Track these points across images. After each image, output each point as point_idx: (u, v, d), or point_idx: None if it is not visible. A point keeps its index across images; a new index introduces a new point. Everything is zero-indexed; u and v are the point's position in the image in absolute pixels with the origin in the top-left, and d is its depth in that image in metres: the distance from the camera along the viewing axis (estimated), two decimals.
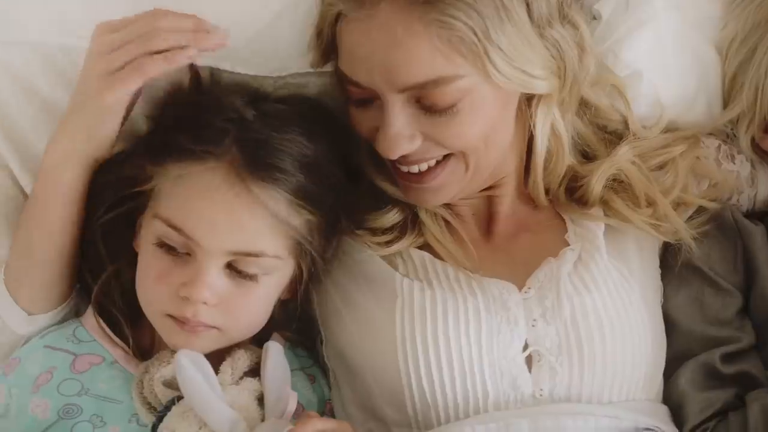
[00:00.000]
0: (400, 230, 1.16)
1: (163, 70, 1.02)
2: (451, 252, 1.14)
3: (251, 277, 1.06)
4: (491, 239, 1.19)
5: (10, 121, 1.14)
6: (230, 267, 1.05)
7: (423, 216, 1.16)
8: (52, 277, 1.11)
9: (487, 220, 1.20)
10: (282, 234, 1.06)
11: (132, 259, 1.12)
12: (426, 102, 1.06)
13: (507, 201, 1.19)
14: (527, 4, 1.06)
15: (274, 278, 1.08)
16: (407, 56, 1.03)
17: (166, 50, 1.02)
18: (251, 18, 1.16)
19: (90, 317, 1.13)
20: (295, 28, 1.16)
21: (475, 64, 1.04)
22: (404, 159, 1.10)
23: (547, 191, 1.19)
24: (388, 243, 1.14)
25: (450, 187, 1.12)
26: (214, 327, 1.06)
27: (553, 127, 1.14)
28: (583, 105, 1.20)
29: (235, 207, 1.03)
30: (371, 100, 1.09)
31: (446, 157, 1.10)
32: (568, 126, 1.17)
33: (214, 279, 1.04)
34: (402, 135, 1.07)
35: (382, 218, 1.16)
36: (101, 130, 1.05)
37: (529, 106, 1.12)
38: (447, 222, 1.17)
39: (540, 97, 1.11)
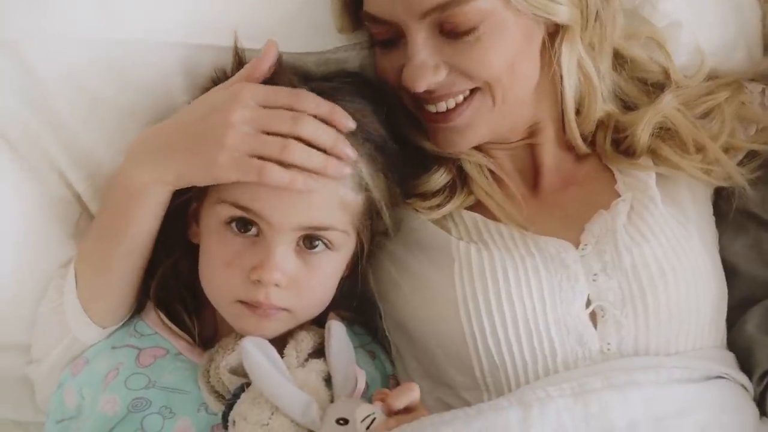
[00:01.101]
0: (450, 191, 1.14)
1: (279, 185, 0.99)
2: (501, 205, 1.12)
3: (319, 254, 1.04)
4: (539, 194, 1.16)
5: (58, 118, 1.12)
6: (299, 245, 1.04)
7: (468, 168, 1.14)
8: (129, 291, 1.10)
9: (533, 175, 1.17)
10: (349, 207, 1.05)
11: (187, 251, 1.11)
12: (448, 27, 1.04)
13: (549, 151, 1.17)
14: None
15: (340, 255, 1.07)
16: None
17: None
18: None
19: (150, 311, 1.12)
20: (329, 5, 1.15)
21: None
22: (430, 96, 1.08)
23: (585, 138, 1.16)
24: (439, 206, 1.12)
25: (477, 126, 1.10)
26: (285, 309, 1.05)
27: (581, 67, 1.12)
28: (620, 58, 1.17)
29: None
30: (396, 40, 1.08)
31: (472, 92, 1.08)
32: (602, 70, 1.14)
33: (284, 259, 1.02)
34: (427, 65, 1.05)
35: (429, 181, 1.14)
36: (198, 179, 1.02)
37: (553, 44, 1.09)
38: (494, 176, 1.15)
39: (564, 33, 1.09)
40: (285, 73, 1.05)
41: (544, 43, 1.10)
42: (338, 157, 1.01)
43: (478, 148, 1.15)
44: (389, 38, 1.09)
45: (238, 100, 1.00)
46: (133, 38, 1.10)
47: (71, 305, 1.09)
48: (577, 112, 1.15)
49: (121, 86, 1.12)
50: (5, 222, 1.12)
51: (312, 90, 1.04)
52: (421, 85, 1.06)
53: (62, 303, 1.10)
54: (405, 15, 1.05)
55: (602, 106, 1.15)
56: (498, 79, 1.07)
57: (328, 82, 1.08)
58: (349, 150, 1.01)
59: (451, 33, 1.05)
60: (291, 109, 1.00)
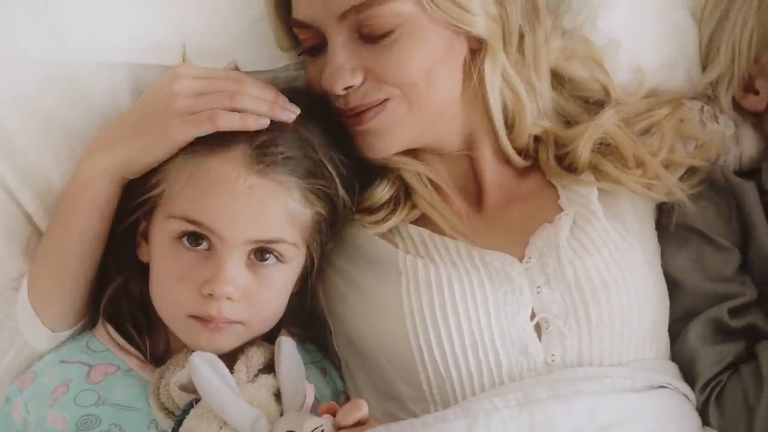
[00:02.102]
0: (394, 204, 1.16)
1: (233, 128, 1.03)
2: (443, 214, 1.14)
3: (270, 267, 1.06)
4: (483, 210, 1.18)
5: (8, 137, 1.13)
6: (250, 258, 1.05)
7: (408, 178, 1.16)
8: (81, 294, 1.11)
9: (476, 191, 1.19)
10: (298, 221, 1.06)
11: (138, 270, 1.12)
12: (365, 30, 1.07)
13: (489, 165, 1.19)
14: None
15: (290, 267, 1.08)
16: None
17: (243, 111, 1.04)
18: (236, 18, 1.18)
19: (101, 328, 1.12)
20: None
21: None
22: (346, 105, 1.10)
23: (523, 152, 1.19)
24: (384, 220, 1.14)
25: (395, 131, 1.12)
26: (238, 322, 1.06)
27: (508, 83, 1.15)
28: (559, 77, 1.21)
29: (252, 195, 1.03)
30: (322, 46, 1.11)
31: (384, 101, 1.10)
32: (538, 88, 1.17)
33: (236, 273, 1.03)
34: (344, 68, 1.08)
35: (373, 195, 1.16)
36: (149, 158, 1.05)
37: (475, 59, 1.13)
38: (436, 187, 1.17)
39: (485, 48, 1.12)
40: None
41: (468, 55, 1.12)
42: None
43: (417, 157, 1.17)
44: (315, 44, 1.12)
45: (177, 76, 1.05)
46: (82, 58, 1.12)
47: (22, 309, 1.10)
48: (510, 127, 1.17)
49: (69, 106, 1.14)
50: None
51: None
52: (337, 88, 1.09)
53: (14, 311, 1.11)
54: (324, 17, 1.08)
55: (537, 122, 1.17)
56: (413, 83, 1.09)
57: None
58: (292, 106, 1.06)
59: (368, 37, 1.08)
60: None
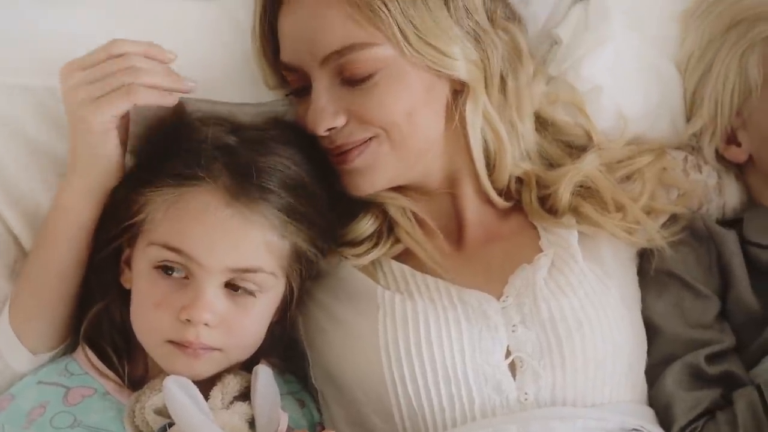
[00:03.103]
0: (377, 238, 1.19)
1: (151, 102, 1.07)
2: (427, 250, 1.17)
3: (249, 294, 1.08)
4: (463, 248, 1.21)
5: None
6: (228, 286, 1.08)
7: (392, 212, 1.19)
8: (61, 317, 1.14)
9: (457, 229, 1.22)
10: (276, 251, 1.09)
11: (119, 294, 1.14)
12: (347, 74, 1.12)
13: (471, 204, 1.22)
14: None
15: (269, 296, 1.11)
16: (323, 24, 1.11)
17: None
18: (226, 52, 1.23)
19: (81, 351, 1.14)
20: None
21: (386, 34, 1.10)
22: (332, 144, 1.14)
23: (504, 193, 1.22)
24: (366, 253, 1.17)
25: (378, 169, 1.16)
26: (215, 349, 1.08)
27: (490, 124, 1.18)
28: (542, 121, 1.25)
29: (231, 225, 1.06)
30: (308, 88, 1.15)
31: (369, 140, 1.14)
32: (521, 131, 1.20)
33: (213, 299, 1.06)
34: (327, 110, 1.13)
35: (356, 228, 1.19)
36: (100, 157, 1.08)
37: (456, 101, 1.16)
38: (419, 221, 1.20)
39: (467, 91, 1.16)
40: (210, 125, 1.11)
41: (451, 97, 1.17)
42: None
43: (401, 194, 1.20)
44: (302, 86, 1.16)
45: (63, 74, 1.06)
46: None
47: (3, 330, 1.13)
48: (492, 167, 1.21)
49: (57, 132, 1.18)
50: None
51: (240, 138, 1.10)
52: (320, 129, 1.13)
53: None
54: (308, 61, 1.13)
55: (518, 164, 1.21)
56: (395, 124, 1.13)
57: (257, 131, 1.14)
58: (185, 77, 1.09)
59: (350, 80, 1.12)
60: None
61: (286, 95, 1.22)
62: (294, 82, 1.18)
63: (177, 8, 1.26)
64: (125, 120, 1.10)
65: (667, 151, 1.31)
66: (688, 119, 1.34)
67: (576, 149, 1.26)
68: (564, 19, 1.36)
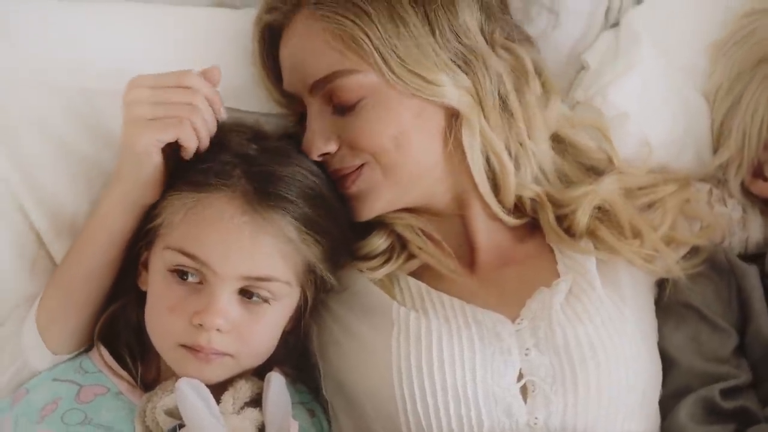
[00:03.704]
0: (390, 254, 1.22)
1: (186, 145, 1.10)
2: (441, 261, 1.19)
3: (262, 302, 1.11)
4: (476, 271, 1.23)
5: (27, 160, 1.21)
6: (242, 293, 1.10)
7: (401, 230, 1.22)
8: (86, 321, 1.17)
9: (469, 252, 1.24)
10: (291, 260, 1.12)
11: (136, 296, 1.17)
12: (335, 100, 1.17)
13: (481, 226, 1.24)
14: (427, 19, 1.16)
15: (283, 305, 1.13)
16: (309, 53, 1.17)
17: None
18: (243, 62, 1.27)
19: (96, 350, 1.17)
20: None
21: (368, 62, 1.14)
22: (329, 168, 1.19)
23: (513, 210, 1.23)
24: (381, 266, 1.20)
25: (373, 195, 1.19)
26: (227, 354, 1.10)
27: (490, 147, 1.19)
28: (561, 143, 1.26)
29: (247, 233, 1.08)
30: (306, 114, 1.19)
31: (361, 167, 1.18)
32: (532, 150, 1.21)
33: (226, 305, 1.09)
34: (319, 135, 1.17)
35: (369, 244, 1.22)
36: (141, 175, 1.11)
37: (451, 124, 1.19)
38: (430, 238, 1.22)
39: (462, 115, 1.18)
40: (232, 133, 1.15)
41: (448, 120, 1.18)
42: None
43: (411, 213, 1.23)
44: (302, 112, 1.21)
45: (129, 87, 1.10)
46: (103, 88, 1.20)
47: (28, 329, 1.16)
48: (497, 188, 1.22)
49: (88, 135, 1.22)
50: None
51: (261, 147, 1.14)
52: (313, 154, 1.17)
53: (20, 329, 1.16)
54: (300, 89, 1.19)
55: (528, 185, 1.22)
56: (383, 151, 1.16)
57: (279, 141, 1.18)
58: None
59: (339, 107, 1.17)
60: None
61: (291, 123, 1.26)
62: (295, 108, 1.23)
63: (207, 16, 1.31)
64: (172, 146, 1.12)
65: (692, 182, 1.32)
66: (715, 151, 1.35)
67: (596, 173, 1.27)
68: (593, 45, 1.38)
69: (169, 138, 1.09)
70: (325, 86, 1.16)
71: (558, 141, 1.26)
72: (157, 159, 1.10)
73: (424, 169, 1.20)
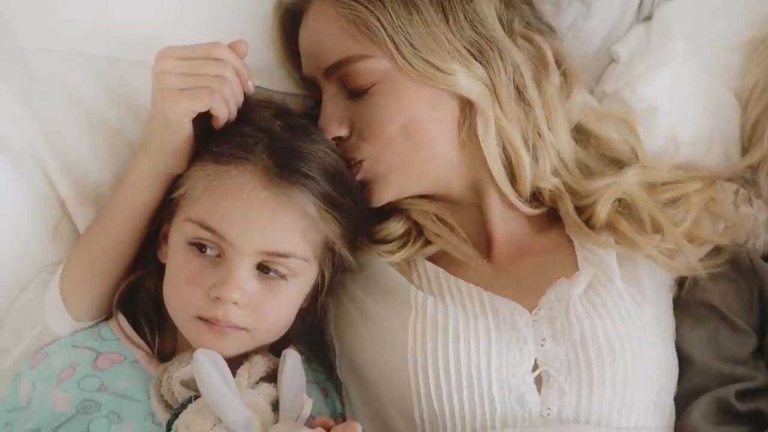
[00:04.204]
0: (406, 239, 1.24)
1: (217, 114, 1.12)
2: (457, 246, 1.21)
3: (279, 278, 1.13)
4: (493, 261, 1.24)
5: (53, 127, 1.23)
6: (260, 268, 1.12)
7: (416, 216, 1.24)
8: (108, 289, 1.19)
9: (486, 242, 1.26)
10: (310, 237, 1.13)
11: (155, 268, 1.20)
12: (349, 86, 1.19)
13: (498, 215, 1.25)
14: (441, 6, 1.18)
15: (300, 282, 1.15)
16: (323, 38, 1.20)
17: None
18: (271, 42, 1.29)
19: (114, 318, 1.20)
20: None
21: (381, 48, 1.16)
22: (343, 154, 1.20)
23: (531, 199, 1.24)
24: (398, 250, 1.22)
25: (383, 182, 1.21)
26: (242, 328, 1.12)
27: (505, 137, 1.20)
28: (584, 134, 1.28)
29: (268, 208, 1.10)
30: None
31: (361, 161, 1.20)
32: (550, 140, 1.22)
33: (244, 280, 1.11)
34: (332, 118, 1.20)
35: (387, 228, 1.24)
36: (171, 145, 1.13)
37: (466, 113, 1.20)
38: (445, 224, 1.24)
39: (476, 104, 1.19)
40: (258, 109, 1.17)
41: (463, 109, 1.20)
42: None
43: (428, 200, 1.25)
44: (320, 96, 1.23)
45: (159, 57, 1.11)
46: (132, 58, 1.22)
47: (51, 295, 1.19)
48: (514, 178, 1.23)
49: (115, 104, 1.24)
50: None
51: (285, 124, 1.15)
52: (327, 136, 1.19)
53: (42, 295, 1.19)
54: (315, 73, 1.22)
55: (545, 176, 1.23)
56: (391, 139, 1.18)
57: (302, 119, 1.19)
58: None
59: (352, 92, 1.19)
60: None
61: (311, 108, 1.27)
62: (313, 92, 1.25)
63: None
64: (203, 117, 1.13)
65: (718, 181, 1.32)
66: (744, 151, 1.36)
67: (619, 166, 1.28)
68: (624, 37, 1.39)
69: (202, 108, 1.11)
70: (338, 71, 1.18)
71: (581, 132, 1.27)
72: (187, 128, 1.12)
73: (436, 157, 1.21)
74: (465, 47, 1.18)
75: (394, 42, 1.16)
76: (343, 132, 1.20)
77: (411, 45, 1.16)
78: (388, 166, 1.20)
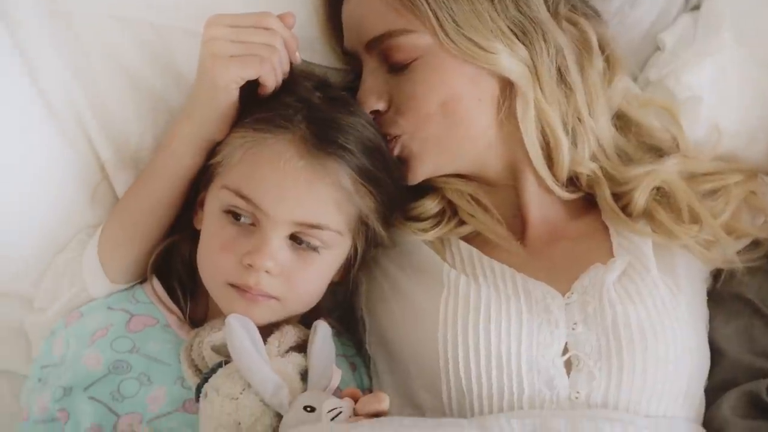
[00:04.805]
0: (441, 218, 1.26)
1: (265, 83, 1.14)
2: (491, 227, 1.23)
3: (312, 249, 1.15)
4: (526, 244, 1.26)
5: (97, 89, 1.26)
6: (293, 238, 1.15)
7: (450, 195, 1.26)
8: (145, 253, 1.22)
9: (521, 224, 1.27)
10: (344, 210, 1.16)
11: (190, 235, 1.23)
12: (390, 60, 1.21)
13: (533, 198, 1.27)
14: None
15: (332, 254, 1.18)
16: (367, 11, 1.22)
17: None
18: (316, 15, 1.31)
19: (149, 282, 1.23)
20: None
21: (424, 23, 1.18)
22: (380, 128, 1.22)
23: (567, 183, 1.26)
24: (431, 228, 1.24)
25: (418, 160, 1.23)
26: (273, 297, 1.15)
27: (543, 120, 1.22)
28: (625, 120, 1.29)
29: (303, 179, 1.13)
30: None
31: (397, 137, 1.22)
32: (590, 126, 1.23)
33: (277, 249, 1.13)
34: (371, 91, 1.22)
35: (422, 206, 1.26)
36: (216, 111, 1.15)
37: (506, 94, 1.22)
38: (480, 205, 1.26)
39: (517, 85, 1.20)
40: (300, 80, 1.19)
41: (503, 89, 1.22)
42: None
43: (463, 180, 1.27)
44: (361, 70, 1.25)
45: (209, 24, 1.14)
46: (177, 26, 1.25)
47: (89, 257, 1.22)
48: (552, 161, 1.25)
49: (158, 70, 1.27)
50: (34, 177, 1.25)
51: (325, 95, 1.18)
52: (365, 109, 1.21)
53: (81, 255, 1.23)
54: (357, 46, 1.24)
55: (583, 162, 1.24)
56: (429, 117, 1.20)
57: (342, 92, 1.22)
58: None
59: (393, 66, 1.21)
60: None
61: (351, 80, 1.30)
62: (355, 67, 1.27)
63: None
64: (251, 84, 1.16)
65: (760, 175, 1.33)
66: None
67: (659, 154, 1.29)
68: (671, 26, 1.40)
69: (252, 75, 1.13)
70: (380, 45, 1.20)
71: (622, 119, 1.28)
72: (234, 95, 1.14)
73: (473, 136, 1.23)
74: (508, 27, 1.20)
75: (437, 17, 1.17)
76: (381, 106, 1.22)
77: (454, 21, 1.18)
78: (424, 143, 1.22)
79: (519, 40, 1.20)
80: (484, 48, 1.19)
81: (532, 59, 1.21)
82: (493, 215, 1.25)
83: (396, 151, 1.23)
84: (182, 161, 1.19)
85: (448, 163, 1.25)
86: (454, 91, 1.20)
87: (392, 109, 1.22)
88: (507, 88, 1.22)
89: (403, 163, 1.24)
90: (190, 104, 1.18)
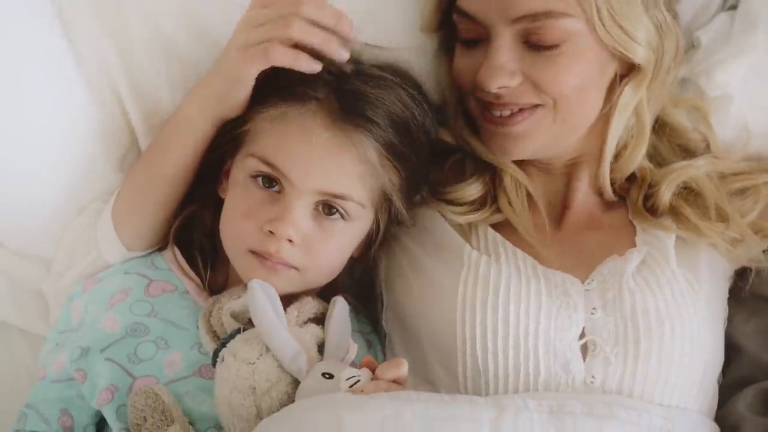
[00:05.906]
0: (479, 205, 1.29)
1: (285, 64, 1.16)
2: (524, 223, 1.26)
3: (334, 221, 1.19)
4: (560, 230, 1.30)
5: (131, 53, 1.30)
6: (316, 209, 1.18)
7: (506, 182, 1.29)
8: (160, 220, 1.26)
9: (561, 210, 1.31)
10: (368, 183, 1.19)
11: (213, 204, 1.27)
12: (533, 38, 1.21)
13: (582, 189, 1.31)
14: None
15: (354, 226, 1.21)
16: None
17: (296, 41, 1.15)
18: None
19: (169, 249, 1.28)
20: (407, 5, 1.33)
21: (583, 8, 1.19)
22: (498, 100, 1.23)
23: (616, 186, 1.30)
24: (465, 213, 1.27)
25: (532, 138, 1.25)
26: (293, 267, 1.18)
27: (638, 113, 1.27)
28: (662, 123, 1.33)
29: (329, 149, 1.16)
30: (478, 40, 1.24)
31: (536, 106, 1.23)
32: (650, 119, 1.28)
33: (300, 218, 1.17)
34: (505, 68, 1.22)
35: (463, 191, 1.29)
36: (232, 95, 1.19)
37: (619, 83, 1.25)
38: (528, 199, 1.29)
39: (633, 75, 1.24)
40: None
41: (613, 79, 1.25)
42: (342, 37, 1.17)
43: (523, 168, 1.30)
44: (473, 38, 1.26)
45: (251, 4, 1.16)
46: None
47: (104, 223, 1.26)
48: (616, 158, 1.29)
49: (193, 36, 1.30)
50: (62, 138, 1.29)
51: (357, 70, 1.21)
52: (493, 85, 1.22)
53: (96, 222, 1.27)
54: (497, 17, 1.22)
55: (641, 154, 1.28)
56: (566, 98, 1.23)
57: (374, 67, 1.25)
58: (348, 44, 1.17)
59: (534, 45, 1.22)
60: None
61: (448, 44, 1.30)
62: (466, 32, 1.26)
63: None
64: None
65: None
66: None
67: (690, 155, 1.33)
68: (708, 24, 1.43)
69: (262, 66, 1.16)
70: (532, 22, 1.20)
71: (656, 120, 1.32)
72: (250, 85, 1.18)
73: (584, 124, 1.27)
74: (649, 21, 1.24)
75: (596, 3, 1.19)
76: (514, 82, 1.22)
77: (611, 9, 1.20)
78: (556, 117, 1.24)
79: (657, 34, 1.24)
80: (632, 36, 1.22)
81: (658, 53, 1.25)
82: (536, 210, 1.29)
83: (523, 125, 1.23)
84: (194, 130, 1.22)
85: (552, 146, 1.28)
86: (590, 77, 1.23)
87: (527, 84, 1.22)
88: (617, 80, 1.25)
89: (510, 137, 1.25)
90: (209, 78, 1.21)
